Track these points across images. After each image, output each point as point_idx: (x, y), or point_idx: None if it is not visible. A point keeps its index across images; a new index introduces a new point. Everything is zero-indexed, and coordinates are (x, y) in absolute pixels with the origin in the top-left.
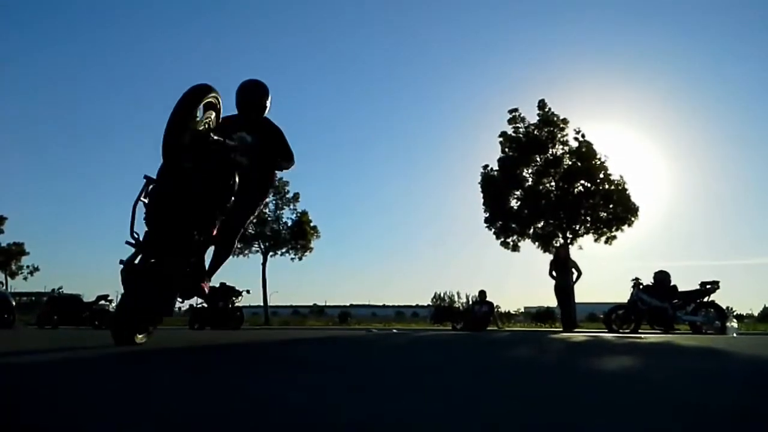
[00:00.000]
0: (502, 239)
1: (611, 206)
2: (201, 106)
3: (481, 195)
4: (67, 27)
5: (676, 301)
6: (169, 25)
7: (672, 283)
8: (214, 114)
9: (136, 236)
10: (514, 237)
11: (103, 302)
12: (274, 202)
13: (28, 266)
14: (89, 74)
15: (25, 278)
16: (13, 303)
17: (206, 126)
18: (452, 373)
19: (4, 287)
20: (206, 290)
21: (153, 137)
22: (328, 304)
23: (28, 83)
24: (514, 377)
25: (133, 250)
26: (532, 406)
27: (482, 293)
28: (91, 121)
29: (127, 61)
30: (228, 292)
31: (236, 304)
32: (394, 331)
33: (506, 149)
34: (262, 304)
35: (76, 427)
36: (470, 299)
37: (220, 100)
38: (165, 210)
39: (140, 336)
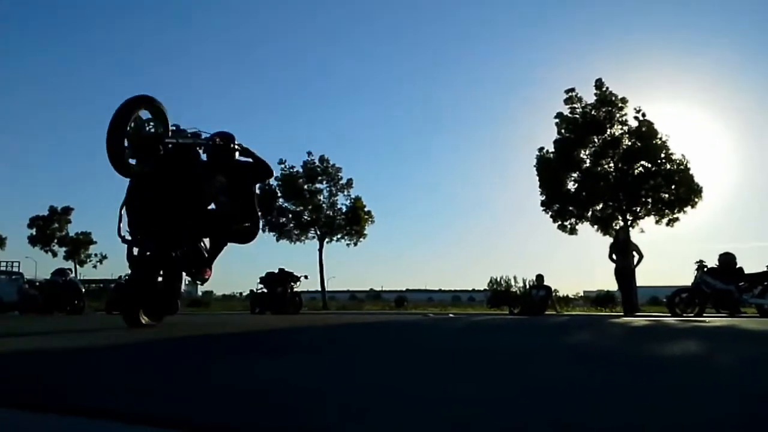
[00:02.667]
0: (560, 222)
1: (673, 187)
2: (138, 114)
3: (537, 178)
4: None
5: (742, 283)
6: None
7: (738, 265)
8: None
9: (126, 233)
10: (572, 220)
11: None
12: (328, 188)
13: (96, 255)
14: (150, 67)
15: (95, 266)
16: (83, 290)
17: (156, 132)
18: (514, 358)
19: (74, 275)
20: (208, 275)
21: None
22: (384, 288)
23: (96, 79)
24: (576, 362)
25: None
26: (593, 392)
27: (540, 277)
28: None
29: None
30: (287, 277)
31: (295, 290)
32: (451, 315)
33: (562, 130)
34: (319, 289)
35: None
36: (527, 283)
37: (163, 108)
38: (147, 209)
39: (146, 319)
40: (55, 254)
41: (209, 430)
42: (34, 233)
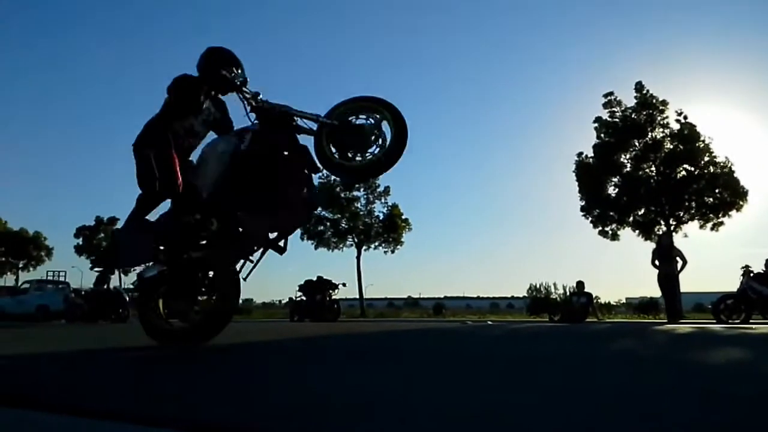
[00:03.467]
0: (600, 228)
1: (717, 190)
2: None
3: (576, 183)
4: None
5: None
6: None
7: None
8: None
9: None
10: (613, 225)
11: None
12: (365, 196)
13: None
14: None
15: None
16: (127, 299)
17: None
18: (554, 367)
19: (119, 284)
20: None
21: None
22: (422, 296)
23: (130, 87)
24: (617, 370)
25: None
26: (633, 401)
27: (580, 284)
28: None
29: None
30: (325, 285)
31: (333, 297)
32: (489, 322)
33: (602, 135)
34: (357, 296)
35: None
36: (567, 290)
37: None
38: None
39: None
40: None
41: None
42: (81, 243)
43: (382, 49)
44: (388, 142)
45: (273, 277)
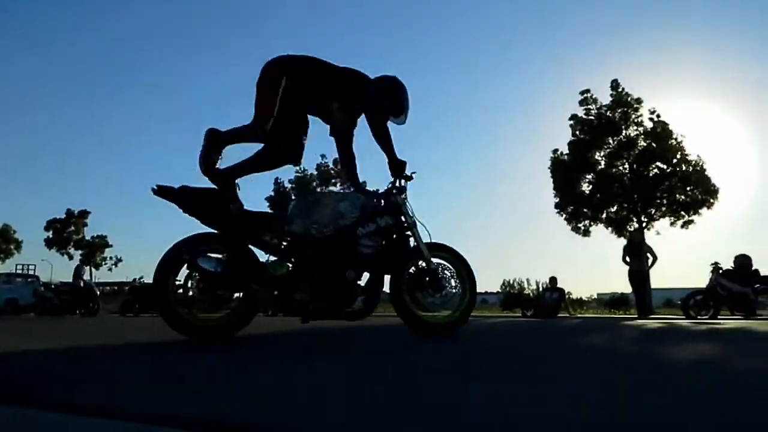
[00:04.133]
0: (574, 224)
1: (689, 188)
2: None
3: (551, 180)
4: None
5: (758, 285)
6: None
7: (754, 267)
8: None
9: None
10: (586, 222)
11: None
12: (342, 190)
13: (111, 258)
14: (163, 68)
15: (110, 269)
16: (98, 292)
17: None
18: (528, 360)
19: (89, 278)
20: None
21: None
22: None
23: (105, 82)
24: (588, 365)
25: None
26: (606, 395)
27: (553, 279)
28: (162, 113)
29: (202, 55)
30: None
31: None
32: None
33: (577, 132)
34: None
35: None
36: (540, 286)
37: None
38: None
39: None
40: (71, 257)
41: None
42: (51, 236)
43: (356, 40)
44: (462, 298)
45: None
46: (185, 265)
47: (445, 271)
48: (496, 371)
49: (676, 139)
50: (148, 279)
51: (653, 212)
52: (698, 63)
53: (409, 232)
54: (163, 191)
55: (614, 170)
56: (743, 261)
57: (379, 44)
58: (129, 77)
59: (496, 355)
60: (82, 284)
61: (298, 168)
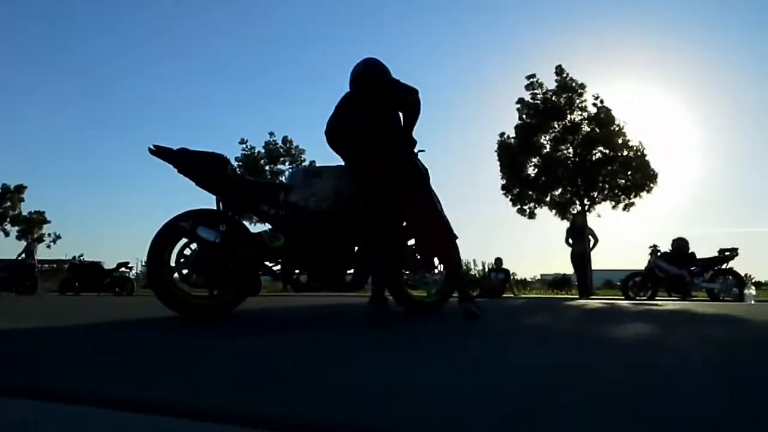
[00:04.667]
0: (519, 206)
1: (629, 173)
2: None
3: (498, 162)
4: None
5: (694, 268)
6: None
7: (690, 250)
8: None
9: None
10: (531, 204)
11: (123, 269)
12: (290, 169)
13: (49, 234)
14: (110, 40)
15: (48, 246)
16: (36, 270)
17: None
18: (469, 341)
19: (25, 255)
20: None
21: (170, 106)
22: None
23: (43, 51)
24: (527, 344)
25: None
26: (546, 375)
27: (498, 260)
28: (107, 88)
29: (146, 28)
30: None
31: None
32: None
33: (524, 116)
34: None
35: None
36: (486, 266)
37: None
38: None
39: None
40: (7, 233)
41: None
42: None
43: (306, 20)
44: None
45: None
46: (183, 237)
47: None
48: (436, 351)
49: (618, 125)
50: (89, 257)
51: (595, 196)
52: (641, 48)
53: None
54: (160, 151)
55: (559, 154)
56: (680, 244)
57: (325, 27)
58: (68, 46)
59: (438, 335)
60: (36, 263)
61: (244, 146)
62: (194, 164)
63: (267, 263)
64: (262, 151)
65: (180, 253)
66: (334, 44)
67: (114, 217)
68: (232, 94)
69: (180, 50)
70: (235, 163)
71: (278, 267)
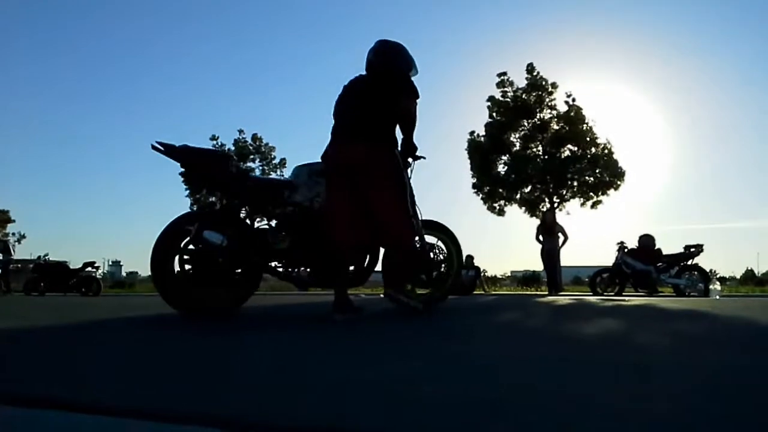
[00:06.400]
0: (489, 204)
1: (598, 171)
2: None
3: (468, 161)
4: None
5: (660, 264)
6: None
7: (656, 247)
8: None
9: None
10: (501, 202)
11: (89, 269)
12: (260, 168)
13: (14, 234)
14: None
15: (13, 246)
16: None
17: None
18: (439, 337)
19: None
20: None
21: (138, 99)
22: None
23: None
24: (499, 339)
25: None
26: (516, 369)
27: (469, 258)
28: (71, 87)
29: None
30: None
31: None
32: (382, 296)
33: (494, 114)
34: None
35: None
36: None
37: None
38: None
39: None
40: None
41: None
42: None
43: (279, 15)
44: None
45: None
46: (188, 239)
47: (438, 251)
48: (397, 349)
49: (587, 123)
50: (54, 256)
51: (564, 193)
52: (609, 47)
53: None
54: (163, 148)
55: (528, 152)
56: (646, 241)
57: (295, 24)
58: (23, 43)
59: (405, 331)
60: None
61: (215, 143)
62: (199, 162)
63: (271, 263)
64: (232, 148)
65: (184, 255)
66: (305, 42)
67: (79, 216)
68: (203, 92)
69: (146, 45)
70: None
71: (281, 265)
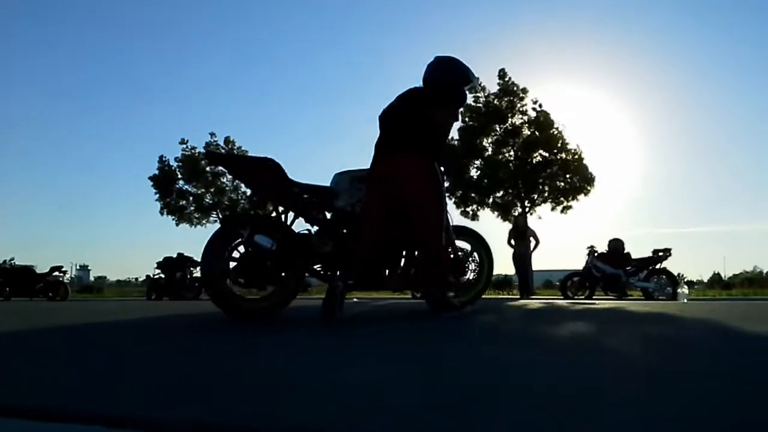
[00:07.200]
0: (463, 208)
1: (568, 176)
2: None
3: None
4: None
5: (629, 268)
6: None
7: (625, 251)
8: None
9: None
10: (474, 206)
11: (57, 273)
12: None
13: None
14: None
15: None
16: None
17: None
18: (413, 340)
19: None
20: None
21: (108, 100)
22: None
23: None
24: (470, 343)
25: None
26: (488, 371)
27: None
28: (39, 85)
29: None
30: (186, 262)
31: (194, 275)
32: (355, 300)
33: (467, 119)
34: None
35: None
36: None
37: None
38: None
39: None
40: None
41: None
42: None
43: (250, 19)
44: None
45: (130, 253)
46: (240, 242)
47: (469, 257)
48: (376, 352)
49: (557, 128)
50: (20, 261)
51: (536, 198)
52: (580, 52)
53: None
54: (213, 156)
55: (501, 157)
56: (616, 245)
57: (273, 29)
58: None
59: (382, 334)
60: None
61: (185, 146)
62: (248, 169)
63: (314, 267)
64: (203, 151)
65: (234, 257)
66: (279, 43)
67: (47, 220)
68: (173, 94)
69: (118, 42)
70: (175, 164)
71: (323, 269)
